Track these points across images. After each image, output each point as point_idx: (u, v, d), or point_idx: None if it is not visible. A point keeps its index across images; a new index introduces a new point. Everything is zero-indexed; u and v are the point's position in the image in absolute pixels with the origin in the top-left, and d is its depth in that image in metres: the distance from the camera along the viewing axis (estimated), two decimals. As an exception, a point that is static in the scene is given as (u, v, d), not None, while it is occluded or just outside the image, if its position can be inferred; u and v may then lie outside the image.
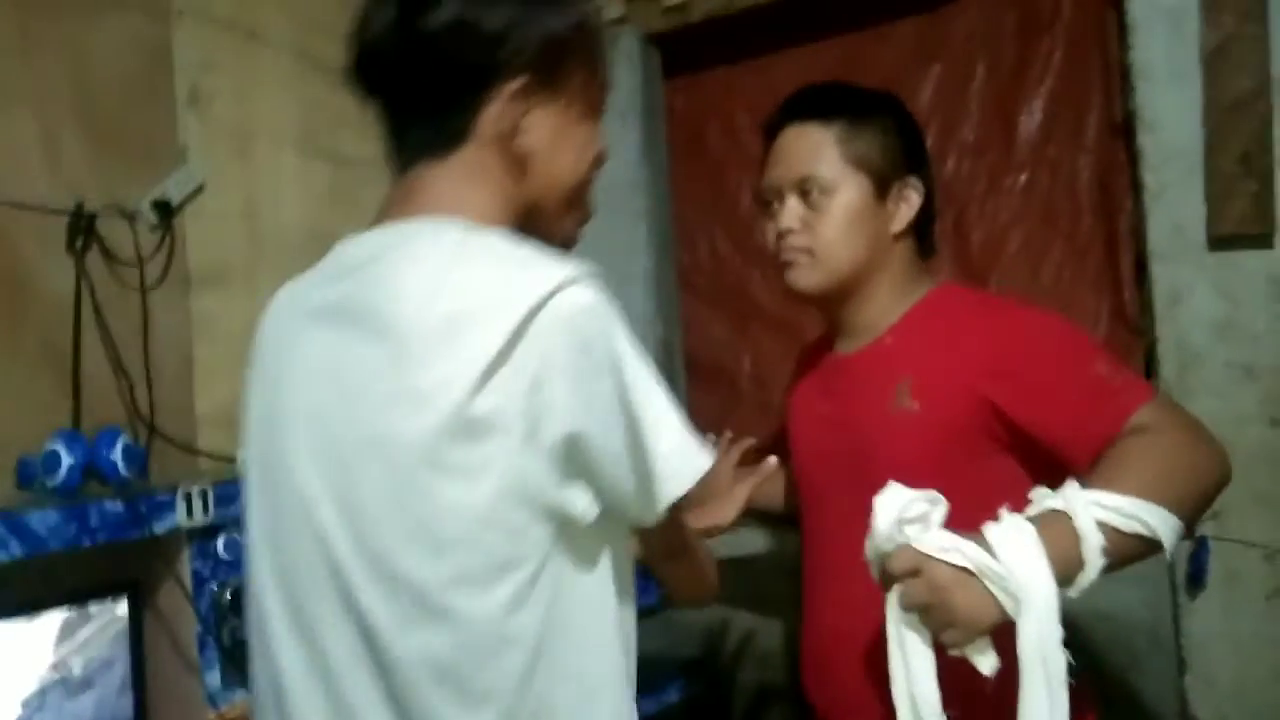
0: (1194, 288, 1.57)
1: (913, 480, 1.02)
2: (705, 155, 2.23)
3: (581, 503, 0.76)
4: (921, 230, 1.25)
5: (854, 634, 1.17)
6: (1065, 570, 0.89)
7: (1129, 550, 0.93)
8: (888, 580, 0.94)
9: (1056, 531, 0.90)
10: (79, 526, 1.29)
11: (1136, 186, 1.66)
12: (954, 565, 0.89)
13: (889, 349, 1.21)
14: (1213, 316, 1.56)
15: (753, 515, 1.59)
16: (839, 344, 1.29)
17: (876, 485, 1.08)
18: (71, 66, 1.63)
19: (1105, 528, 0.91)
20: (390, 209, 0.84)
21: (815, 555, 1.32)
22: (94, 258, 1.63)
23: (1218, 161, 1.53)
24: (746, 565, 2.01)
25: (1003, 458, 1.13)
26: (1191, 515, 0.98)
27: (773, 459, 1.31)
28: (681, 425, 0.77)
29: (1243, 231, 1.52)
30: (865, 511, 1.10)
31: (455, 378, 0.71)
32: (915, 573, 0.91)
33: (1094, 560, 0.90)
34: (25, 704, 1.30)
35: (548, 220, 0.87)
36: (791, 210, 1.22)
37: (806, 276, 1.22)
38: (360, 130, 1.93)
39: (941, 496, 0.93)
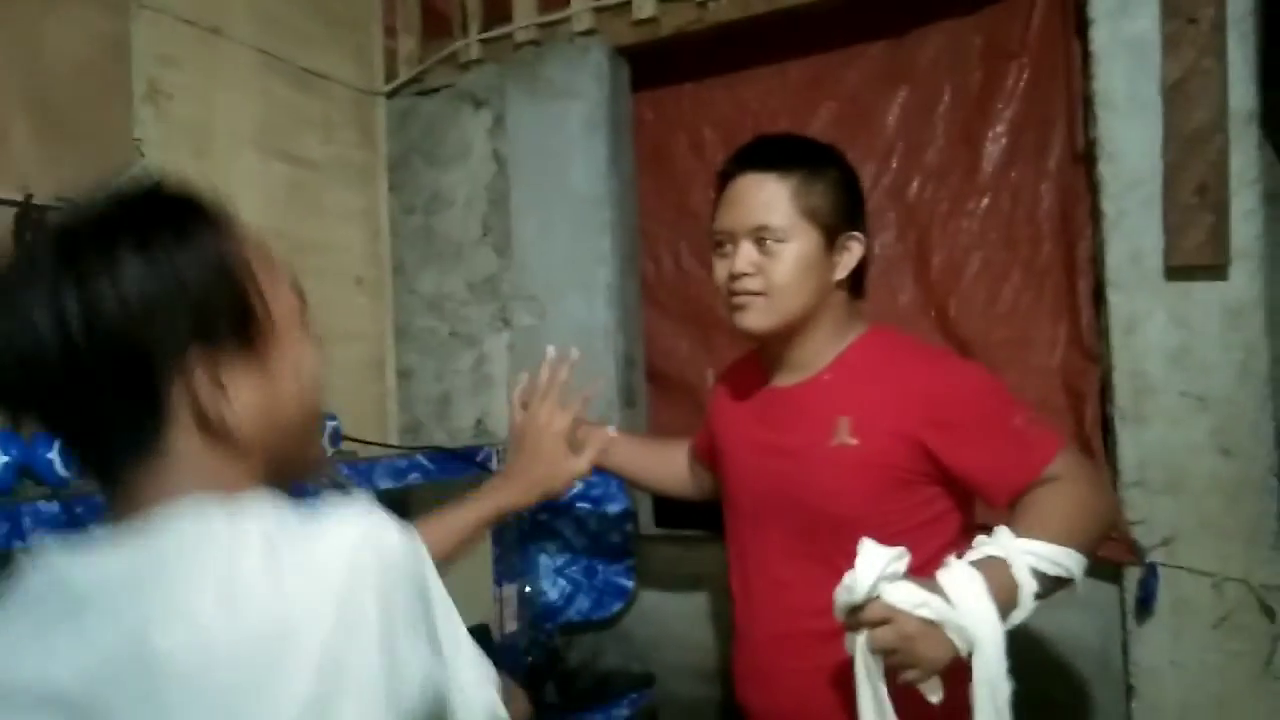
0: (1150, 316, 1.59)
1: (846, 506, 1.23)
2: (672, 169, 2.23)
3: None
4: (856, 277, 1.33)
5: (788, 645, 1.29)
6: (1003, 610, 1.04)
7: (1051, 589, 1.10)
8: (855, 624, 1.05)
9: (998, 577, 1.06)
10: (11, 528, 1.25)
11: (1096, 214, 1.67)
12: (921, 617, 1.01)
13: (827, 385, 1.30)
14: (1168, 345, 1.58)
15: (672, 502, 1.69)
16: (776, 377, 1.36)
17: (813, 510, 1.27)
18: (23, 56, 1.59)
19: (1036, 573, 1.07)
20: (119, 518, 0.71)
21: (749, 573, 1.37)
22: (41, 251, 1.58)
23: (1176, 192, 1.55)
24: (688, 584, 2.01)
25: (927, 489, 1.25)
26: (1093, 553, 1.16)
27: (610, 428, 1.49)
28: (476, 665, 0.72)
29: (1199, 262, 1.54)
30: (800, 534, 1.28)
31: (297, 694, 0.60)
32: (885, 622, 1.02)
33: (1027, 604, 1.07)
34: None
35: (294, 460, 0.78)
36: (745, 255, 1.28)
37: (757, 318, 1.29)
38: (322, 132, 1.93)
39: (907, 551, 1.04)
